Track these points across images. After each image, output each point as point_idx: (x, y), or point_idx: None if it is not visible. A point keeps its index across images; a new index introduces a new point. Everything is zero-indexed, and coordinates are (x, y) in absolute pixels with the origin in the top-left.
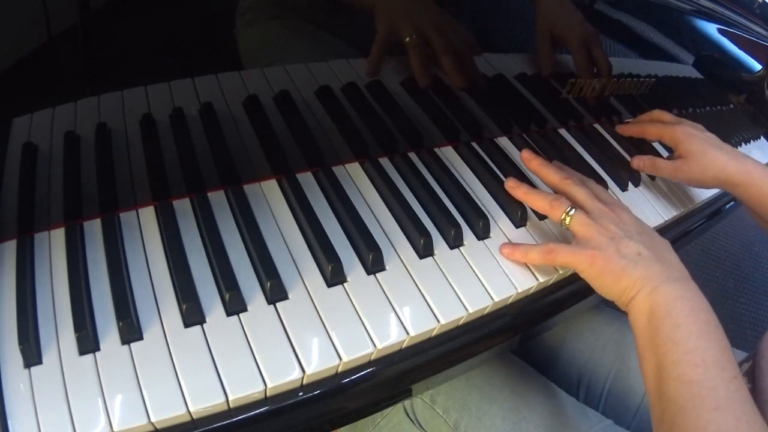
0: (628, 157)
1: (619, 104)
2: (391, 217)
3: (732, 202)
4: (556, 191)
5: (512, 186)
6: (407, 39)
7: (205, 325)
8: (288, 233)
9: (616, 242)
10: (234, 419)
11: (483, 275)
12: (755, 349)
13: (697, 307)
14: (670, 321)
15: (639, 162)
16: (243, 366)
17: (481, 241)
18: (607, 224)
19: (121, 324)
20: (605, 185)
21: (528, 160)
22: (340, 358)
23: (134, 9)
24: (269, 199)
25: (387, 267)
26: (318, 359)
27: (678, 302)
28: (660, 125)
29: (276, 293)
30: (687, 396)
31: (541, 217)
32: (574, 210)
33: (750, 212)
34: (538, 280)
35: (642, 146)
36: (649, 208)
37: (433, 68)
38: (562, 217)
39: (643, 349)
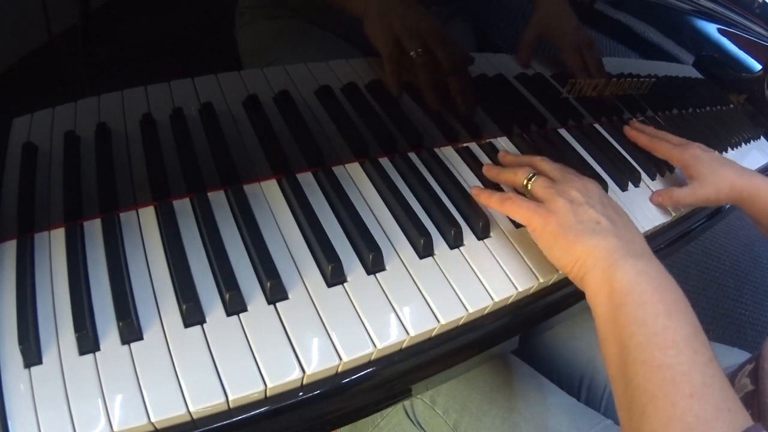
0: (628, 157)
1: (619, 104)
2: (391, 217)
3: None
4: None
5: (487, 170)
6: (412, 53)
7: (205, 325)
8: (288, 233)
9: (575, 207)
10: (234, 419)
11: (483, 275)
12: (758, 351)
13: (663, 285)
14: (633, 299)
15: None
16: (243, 366)
17: (481, 241)
18: (569, 189)
19: (121, 324)
20: (605, 185)
21: (487, 171)
22: (340, 358)
23: (134, 9)
24: (269, 199)
25: (387, 267)
26: (318, 359)
27: (641, 278)
28: (670, 146)
29: (276, 293)
30: (658, 382)
31: None
32: (536, 175)
33: (756, 224)
34: (538, 280)
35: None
36: (650, 208)
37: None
38: (524, 182)
39: (603, 331)
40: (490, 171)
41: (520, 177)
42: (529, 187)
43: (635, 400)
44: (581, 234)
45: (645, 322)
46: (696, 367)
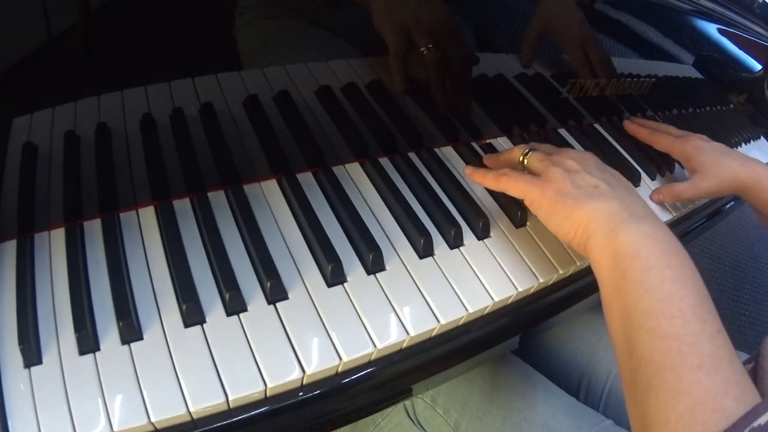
0: (628, 157)
1: (619, 104)
2: (391, 217)
3: (732, 202)
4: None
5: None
6: (423, 50)
7: (205, 325)
8: (288, 233)
9: (572, 174)
10: (234, 419)
11: (483, 275)
12: (758, 351)
13: (670, 249)
14: (638, 263)
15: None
16: (243, 366)
17: (481, 241)
18: (564, 159)
19: (121, 324)
20: None
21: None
22: (340, 358)
23: (134, 9)
24: (269, 199)
25: (387, 267)
26: (318, 359)
27: (647, 241)
28: (670, 138)
29: (276, 293)
30: (664, 353)
31: None
32: (531, 150)
33: (758, 214)
34: (538, 280)
35: (642, 146)
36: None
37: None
38: (520, 158)
39: (607, 298)
40: (488, 159)
41: (516, 153)
42: (525, 163)
43: (640, 370)
44: (579, 199)
45: (651, 288)
46: (704, 337)
